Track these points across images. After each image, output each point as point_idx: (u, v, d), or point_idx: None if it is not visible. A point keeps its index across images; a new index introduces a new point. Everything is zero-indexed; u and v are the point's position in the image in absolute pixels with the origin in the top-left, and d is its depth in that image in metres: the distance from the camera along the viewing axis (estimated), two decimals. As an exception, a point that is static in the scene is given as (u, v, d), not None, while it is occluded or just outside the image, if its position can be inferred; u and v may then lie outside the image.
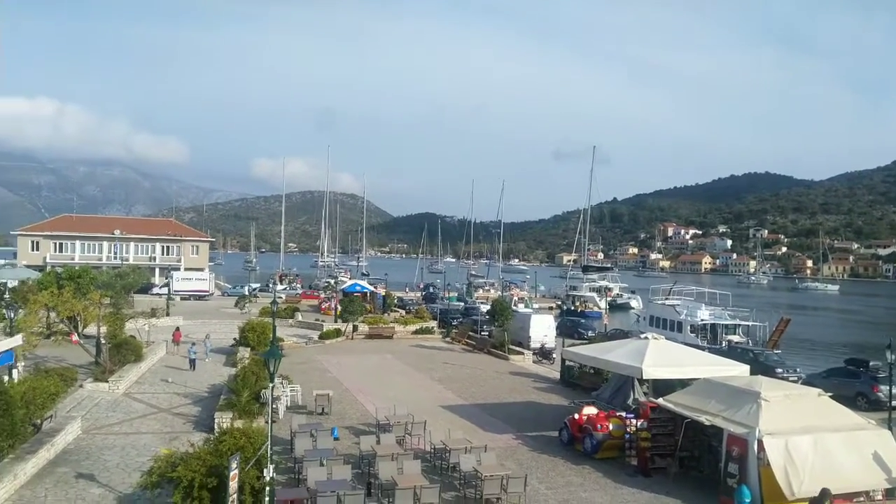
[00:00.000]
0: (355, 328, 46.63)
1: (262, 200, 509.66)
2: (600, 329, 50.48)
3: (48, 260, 78.63)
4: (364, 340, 45.54)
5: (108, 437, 20.64)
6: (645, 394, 23.26)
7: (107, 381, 26.90)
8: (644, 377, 21.52)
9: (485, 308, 55.57)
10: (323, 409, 24.22)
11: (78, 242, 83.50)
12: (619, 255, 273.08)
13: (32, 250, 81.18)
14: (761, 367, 29.24)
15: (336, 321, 49.54)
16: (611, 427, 19.83)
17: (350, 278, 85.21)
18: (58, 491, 15.90)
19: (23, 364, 25.90)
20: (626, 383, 24.10)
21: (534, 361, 39.05)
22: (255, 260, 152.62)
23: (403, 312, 60.17)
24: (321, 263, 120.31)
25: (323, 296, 69.73)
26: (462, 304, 69.02)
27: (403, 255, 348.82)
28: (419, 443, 20.29)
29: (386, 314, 56.08)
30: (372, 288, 65.49)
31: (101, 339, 30.40)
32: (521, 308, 56.77)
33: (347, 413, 24.64)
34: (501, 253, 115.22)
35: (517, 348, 40.50)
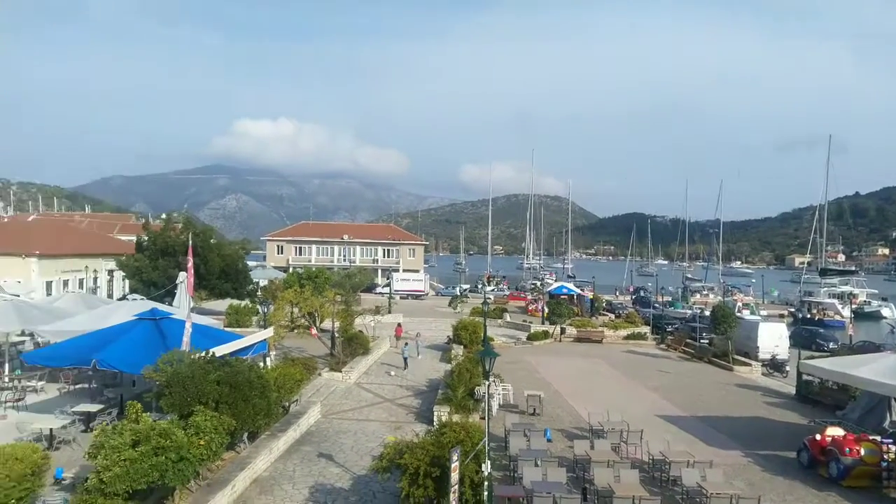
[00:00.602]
0: (563, 331, 46.34)
1: (470, 205, 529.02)
2: (843, 340, 44.62)
3: (290, 262, 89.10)
4: (572, 343, 45.06)
5: (342, 422, 22.78)
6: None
7: (340, 371, 29.76)
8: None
9: (684, 312, 52.16)
10: (534, 409, 24.40)
11: (314, 246, 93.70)
12: (864, 256, 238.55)
13: (278, 253, 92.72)
14: None
15: (543, 323, 49.65)
16: (862, 452, 17.39)
17: (555, 280, 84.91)
18: (303, 467, 17.90)
19: (273, 353, 29.55)
20: (882, 403, 20.99)
21: (763, 374, 35.69)
22: (464, 262, 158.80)
23: (612, 316, 58.48)
24: (526, 266, 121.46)
25: (530, 297, 70.33)
26: (688, 311, 64.19)
27: (610, 258, 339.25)
28: (636, 452, 19.54)
29: (594, 318, 54.95)
30: (579, 290, 64.64)
31: (335, 333, 33.63)
32: (745, 315, 52.15)
33: (559, 416, 24.55)
34: (721, 255, 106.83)
35: (743, 359, 37.28)
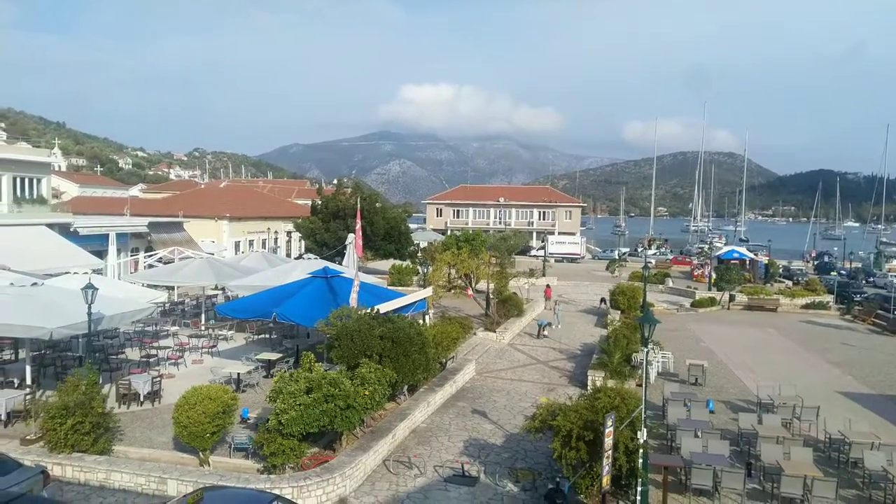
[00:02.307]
0: (732, 298, 43.40)
1: (632, 164, 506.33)
2: None
3: (448, 224, 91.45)
4: (742, 311, 42.11)
5: (496, 381, 23.28)
6: None
7: (494, 332, 30.30)
8: None
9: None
10: (696, 379, 23.27)
11: (471, 209, 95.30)
12: None
13: (437, 216, 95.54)
14: None
15: (710, 289, 46.82)
16: None
17: (725, 244, 79.37)
18: (458, 421, 18.59)
19: (432, 311, 30.70)
20: None
21: (973, 351, 31.16)
22: (623, 224, 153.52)
23: (790, 284, 53.73)
24: (693, 228, 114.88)
25: (695, 262, 66.46)
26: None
27: (790, 220, 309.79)
28: (809, 429, 18.03)
29: (768, 285, 50.83)
30: (752, 255, 59.97)
31: (490, 295, 34.21)
32: (953, 284, 45.58)
33: (723, 387, 23.21)
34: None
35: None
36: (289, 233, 60.81)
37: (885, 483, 14.00)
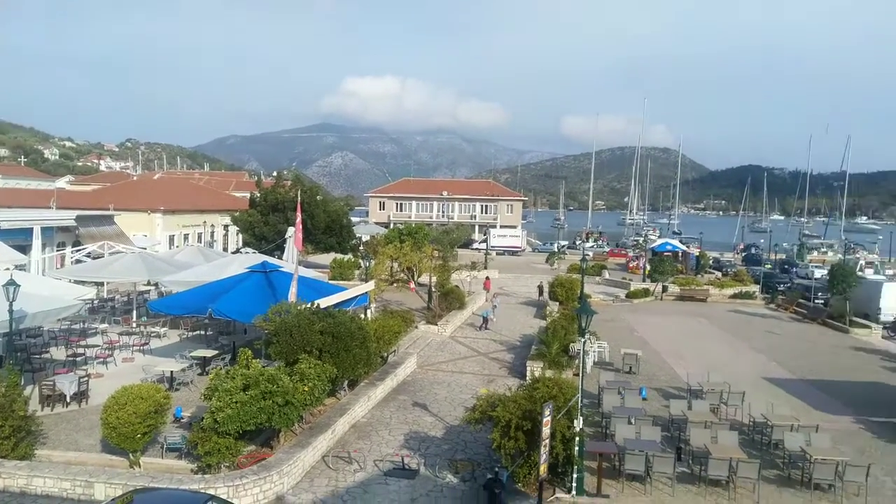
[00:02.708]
0: (665, 289, 44.86)
1: (572, 159, 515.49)
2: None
3: (391, 218, 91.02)
4: (674, 302, 43.58)
5: (437, 374, 23.38)
6: None
7: (436, 325, 30.42)
8: None
9: (818, 273, 48.71)
10: (630, 367, 23.98)
11: (414, 203, 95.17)
12: None
13: (380, 209, 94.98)
14: None
15: (644, 280, 48.25)
16: None
17: (659, 237, 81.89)
18: (399, 414, 18.58)
19: (374, 305, 30.51)
20: None
21: (883, 337, 33.19)
22: (563, 218, 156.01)
23: (720, 275, 55.90)
24: (629, 221, 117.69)
25: (631, 254, 68.36)
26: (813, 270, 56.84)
27: (720, 213, 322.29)
28: (735, 414, 18.84)
29: (699, 276, 52.76)
30: (684, 247, 62.10)
31: (432, 288, 34.27)
32: (869, 274, 48.31)
33: (656, 375, 24.00)
34: (845, 209, 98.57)
35: (862, 321, 34.74)
36: (226, 226, 59.29)
37: (803, 462, 14.76)
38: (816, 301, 40.47)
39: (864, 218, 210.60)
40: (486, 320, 32.37)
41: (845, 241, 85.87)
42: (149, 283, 31.94)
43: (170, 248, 47.62)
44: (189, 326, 27.36)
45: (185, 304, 21.60)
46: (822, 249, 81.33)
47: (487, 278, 42.49)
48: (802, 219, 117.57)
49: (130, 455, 13.87)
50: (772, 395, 20.79)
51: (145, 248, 35.88)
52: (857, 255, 70.19)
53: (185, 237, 53.88)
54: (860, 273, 44.86)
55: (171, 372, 19.50)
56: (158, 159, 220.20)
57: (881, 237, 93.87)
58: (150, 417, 13.65)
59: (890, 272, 56.14)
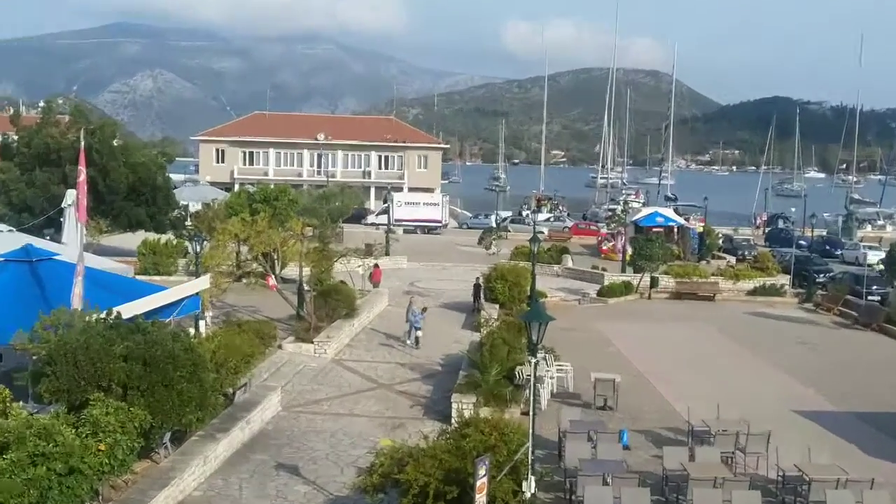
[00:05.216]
0: (654, 282, 46.26)
1: (516, 86, 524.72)
2: None
3: (236, 175, 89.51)
4: (668, 301, 45.06)
5: (314, 418, 23.25)
6: None
7: (312, 342, 30.18)
8: None
9: (873, 257, 51.48)
10: (605, 401, 24.59)
11: (273, 151, 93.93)
12: None
13: (217, 162, 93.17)
14: None
15: (624, 270, 49.59)
16: None
17: (645, 204, 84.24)
18: (254, 484, 18.38)
19: (210, 314, 30.00)
20: None
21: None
22: (504, 176, 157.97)
23: (733, 260, 58.21)
24: (601, 181, 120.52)
25: (605, 231, 70.11)
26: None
27: (733, 168, 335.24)
28: (757, 465, 19.75)
29: (704, 262, 54.74)
30: (682, 220, 64.20)
31: (304, 285, 33.93)
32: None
33: (642, 409, 24.77)
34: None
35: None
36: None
37: (853, 532, 15.67)
38: (870, 297, 42.74)
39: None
40: (413, 329, 31.87)
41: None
42: None
43: None
44: None
45: None
46: (879, 222, 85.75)
47: (377, 266, 42.45)
48: (850, 177, 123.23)
49: None
50: (808, 437, 21.83)
51: None
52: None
53: None
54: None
55: None
56: None
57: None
58: None
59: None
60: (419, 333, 32.28)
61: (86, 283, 20.32)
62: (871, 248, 59.32)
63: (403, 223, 75.49)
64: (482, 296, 38.91)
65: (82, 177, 23.80)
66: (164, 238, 46.44)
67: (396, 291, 42.40)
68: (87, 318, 18.32)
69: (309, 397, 25.30)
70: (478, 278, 40.10)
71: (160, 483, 16.85)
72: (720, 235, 67.90)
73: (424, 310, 33.61)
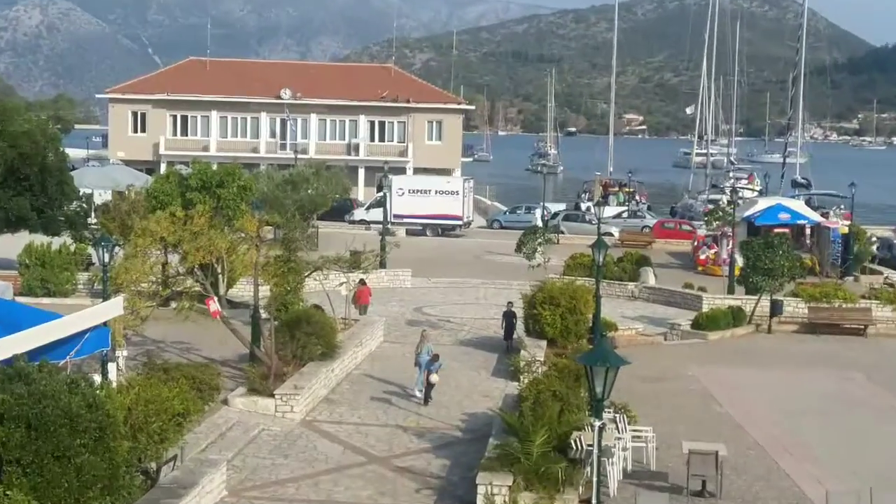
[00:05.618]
0: (777, 307, 46.11)
1: (571, 19, 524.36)
2: None
3: (163, 150, 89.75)
4: (797, 336, 44.93)
5: (275, 508, 23.27)
6: None
7: (272, 395, 30.22)
8: None
9: None
10: (704, 483, 24.52)
11: (216, 116, 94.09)
12: None
13: (135, 131, 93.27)
14: None
15: (732, 291, 49.46)
16: None
17: (763, 194, 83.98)
18: None
19: (124, 353, 30.07)
20: None
21: None
22: (554, 152, 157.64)
23: (894, 276, 58.02)
24: (698, 159, 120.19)
25: (702, 233, 69.96)
26: None
27: (894, 141, 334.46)
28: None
29: (851, 278, 54.57)
30: (817, 217, 63.99)
31: (262, 312, 34.02)
32: None
33: (758, 496, 24.68)
34: None
35: None
36: None
37: None
38: None
39: None
40: (427, 372, 31.98)
41: None
42: None
43: None
44: None
45: None
46: None
47: (363, 283, 42.41)
48: None
49: None
50: None
51: None
52: None
53: None
54: None
55: None
56: None
57: None
58: None
59: None
60: (433, 380, 32.21)
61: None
62: None
63: (407, 220, 75.42)
64: (516, 328, 38.89)
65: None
66: (56, 242, 46.66)
67: (397, 320, 42.58)
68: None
69: (267, 476, 25.25)
70: (510, 303, 39.95)
71: None
72: (874, 239, 67.54)
73: (436, 357, 33.31)
